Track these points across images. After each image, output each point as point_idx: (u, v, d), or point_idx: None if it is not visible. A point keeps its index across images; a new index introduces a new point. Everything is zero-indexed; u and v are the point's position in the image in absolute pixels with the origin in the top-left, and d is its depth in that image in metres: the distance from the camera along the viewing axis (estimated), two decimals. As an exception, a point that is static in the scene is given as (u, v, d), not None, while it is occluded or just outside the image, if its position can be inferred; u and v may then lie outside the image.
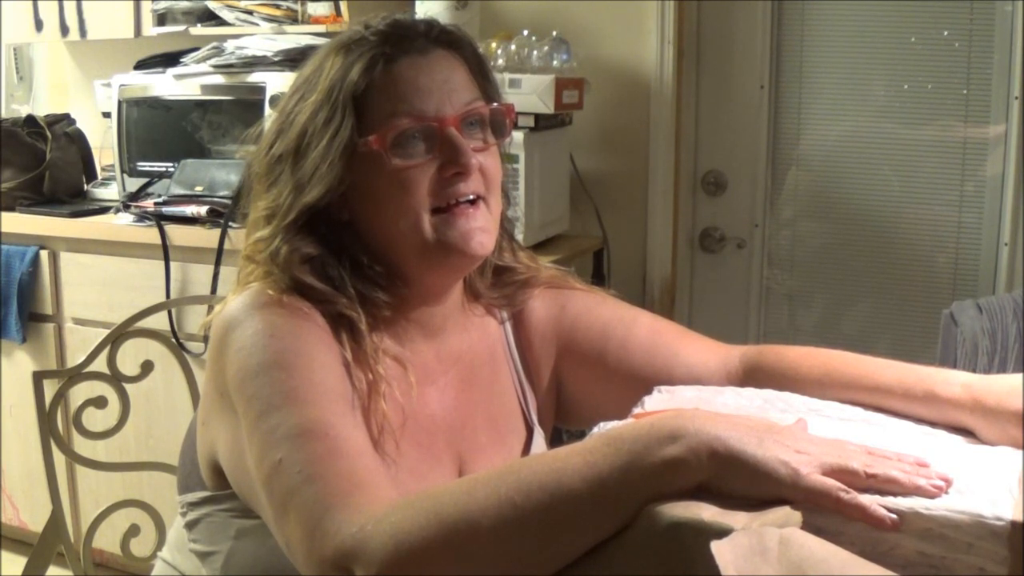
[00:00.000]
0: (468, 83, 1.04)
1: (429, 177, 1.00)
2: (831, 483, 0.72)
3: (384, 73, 0.99)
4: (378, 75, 0.99)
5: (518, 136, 2.22)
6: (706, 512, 0.69)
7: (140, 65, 2.67)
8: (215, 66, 2.48)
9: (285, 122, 1.03)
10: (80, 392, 1.51)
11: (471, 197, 1.01)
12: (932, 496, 0.73)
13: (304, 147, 1.00)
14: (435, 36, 1.03)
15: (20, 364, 2.60)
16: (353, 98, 0.99)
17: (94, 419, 1.47)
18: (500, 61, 2.34)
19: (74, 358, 2.38)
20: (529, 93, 2.24)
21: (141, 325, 1.53)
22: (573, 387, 1.19)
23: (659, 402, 0.99)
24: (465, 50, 1.05)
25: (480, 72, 1.06)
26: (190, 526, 1.08)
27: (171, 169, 2.50)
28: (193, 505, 1.07)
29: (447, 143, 1.00)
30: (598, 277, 2.57)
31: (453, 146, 1.00)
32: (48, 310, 2.54)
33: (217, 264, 2.24)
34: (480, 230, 1.01)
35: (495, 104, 1.06)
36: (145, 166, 2.59)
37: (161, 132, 2.58)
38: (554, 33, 2.43)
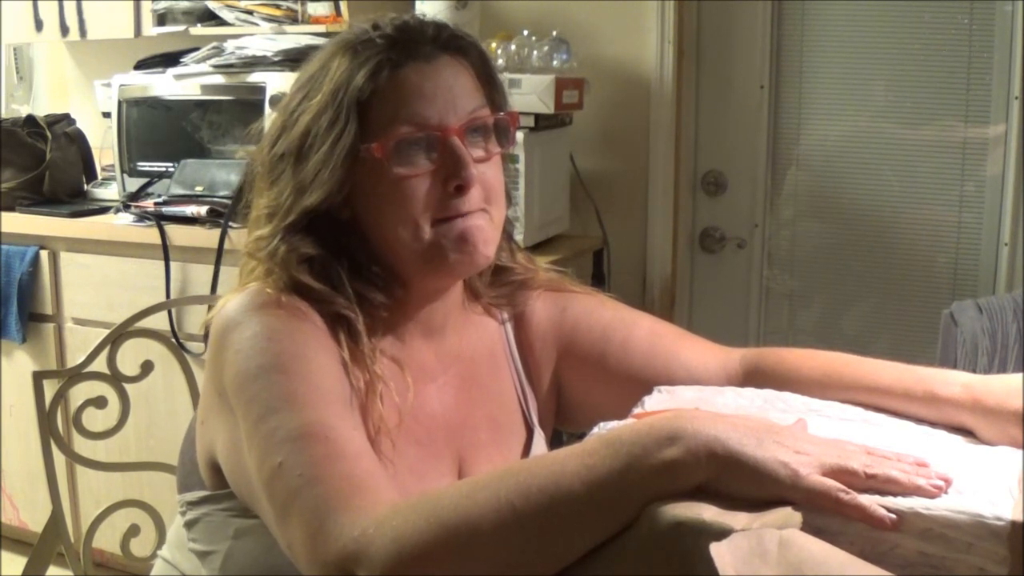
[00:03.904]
0: (473, 90, 1.03)
1: (430, 187, 0.99)
2: (831, 483, 0.72)
3: (389, 79, 0.98)
4: (383, 81, 0.98)
5: (518, 136, 2.22)
6: (707, 512, 0.69)
7: (140, 65, 2.67)
8: (215, 66, 2.48)
9: (289, 120, 1.02)
10: (80, 392, 1.51)
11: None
12: (932, 496, 0.73)
13: (307, 149, 1.00)
14: (443, 41, 1.02)
15: (20, 364, 2.60)
16: (357, 103, 0.98)
17: (94, 419, 1.47)
18: (500, 61, 2.34)
19: (74, 358, 2.38)
20: (529, 93, 2.24)
21: (141, 325, 1.53)
22: (573, 389, 1.19)
23: (659, 402, 0.99)
24: (472, 56, 1.04)
25: (487, 79, 1.05)
26: (189, 525, 1.08)
27: (171, 169, 2.50)
28: (192, 504, 1.07)
29: (449, 153, 0.99)
30: (598, 277, 2.57)
31: (455, 157, 0.99)
32: (48, 310, 2.54)
33: (217, 264, 2.24)
34: (481, 238, 1.01)
35: (500, 113, 1.05)
36: (145, 166, 2.59)
37: (161, 132, 2.58)
38: (554, 33, 2.43)
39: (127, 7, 2.75)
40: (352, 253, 1.02)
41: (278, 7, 2.54)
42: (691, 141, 2.63)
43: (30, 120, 2.69)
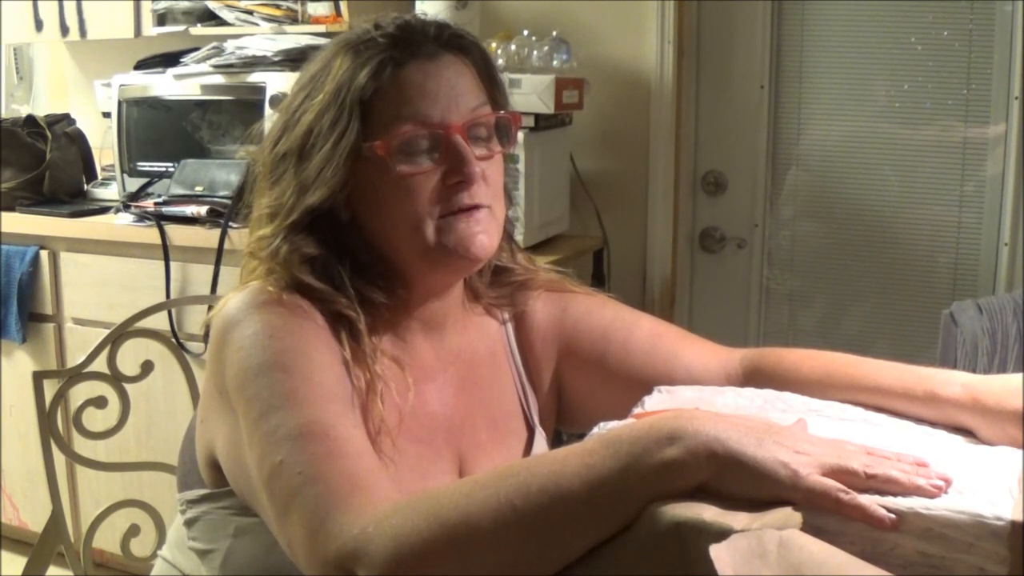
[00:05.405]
0: (475, 89, 1.03)
1: (433, 184, 0.99)
2: (831, 483, 0.72)
3: (392, 78, 0.98)
4: (386, 80, 0.98)
5: (518, 136, 2.21)
6: (707, 512, 0.69)
7: (140, 65, 2.67)
8: (215, 66, 2.48)
9: (291, 119, 1.02)
10: (80, 392, 1.51)
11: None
12: (932, 496, 0.73)
13: (309, 148, 1.00)
14: (445, 40, 1.02)
15: (20, 364, 2.60)
16: (360, 102, 0.98)
17: (94, 419, 1.47)
18: (500, 61, 2.34)
19: (74, 358, 2.38)
20: (529, 93, 2.24)
21: (141, 325, 1.53)
22: (574, 389, 1.19)
23: (659, 402, 0.99)
24: (474, 54, 1.04)
25: (488, 77, 1.06)
26: (189, 524, 1.08)
27: (171, 169, 2.50)
28: (192, 503, 1.07)
29: (452, 151, 0.99)
30: (598, 277, 2.57)
31: (458, 155, 0.99)
32: (48, 310, 2.54)
33: (217, 264, 2.24)
34: (483, 233, 1.01)
35: (502, 112, 1.05)
36: (145, 166, 2.59)
37: (161, 132, 2.58)
38: (554, 33, 2.43)
39: (127, 7, 2.75)
40: (354, 252, 1.03)
41: (278, 7, 2.54)
42: (691, 141, 2.63)
43: (30, 120, 2.69)
